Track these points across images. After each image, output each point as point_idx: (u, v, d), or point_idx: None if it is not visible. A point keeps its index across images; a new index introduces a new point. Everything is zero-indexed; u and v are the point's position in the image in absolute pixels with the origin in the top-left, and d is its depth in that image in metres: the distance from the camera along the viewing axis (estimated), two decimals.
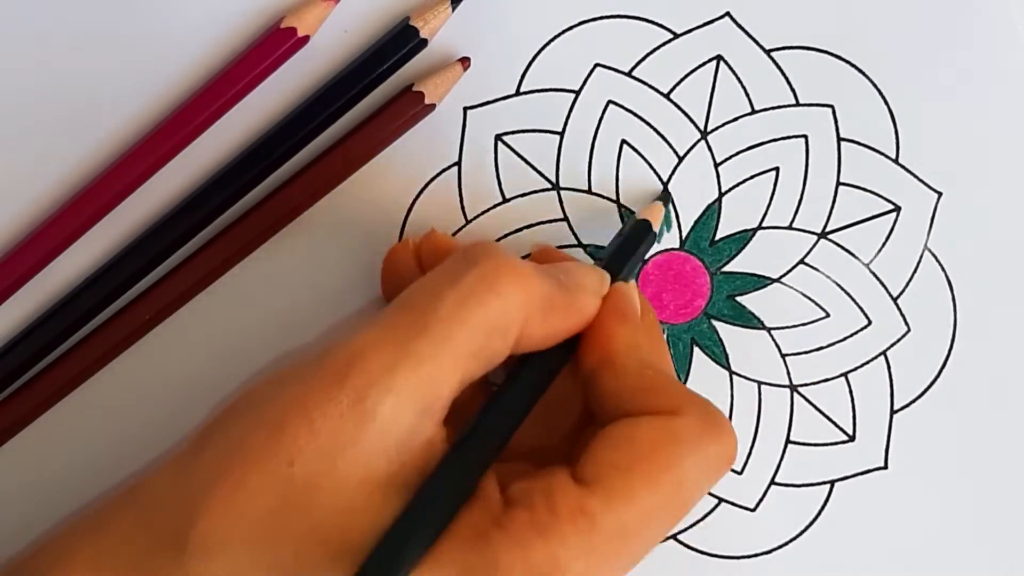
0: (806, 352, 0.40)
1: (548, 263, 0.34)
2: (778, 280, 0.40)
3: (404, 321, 0.30)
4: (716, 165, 0.40)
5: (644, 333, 0.33)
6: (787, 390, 0.40)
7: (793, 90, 0.40)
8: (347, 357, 0.29)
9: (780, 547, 0.40)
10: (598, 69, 0.40)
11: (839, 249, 0.40)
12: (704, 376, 0.40)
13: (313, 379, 0.29)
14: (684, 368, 0.40)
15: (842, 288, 0.40)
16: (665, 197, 0.39)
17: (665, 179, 0.40)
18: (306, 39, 0.38)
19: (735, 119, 0.40)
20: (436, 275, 0.31)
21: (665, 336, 0.40)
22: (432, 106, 0.38)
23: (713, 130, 0.40)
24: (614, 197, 0.40)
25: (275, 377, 0.30)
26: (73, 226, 0.38)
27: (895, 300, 0.40)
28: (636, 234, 0.37)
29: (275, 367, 0.36)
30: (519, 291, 0.30)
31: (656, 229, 0.37)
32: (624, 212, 0.40)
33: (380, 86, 0.39)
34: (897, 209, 0.40)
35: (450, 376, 0.29)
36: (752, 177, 0.40)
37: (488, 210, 0.40)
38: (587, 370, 0.33)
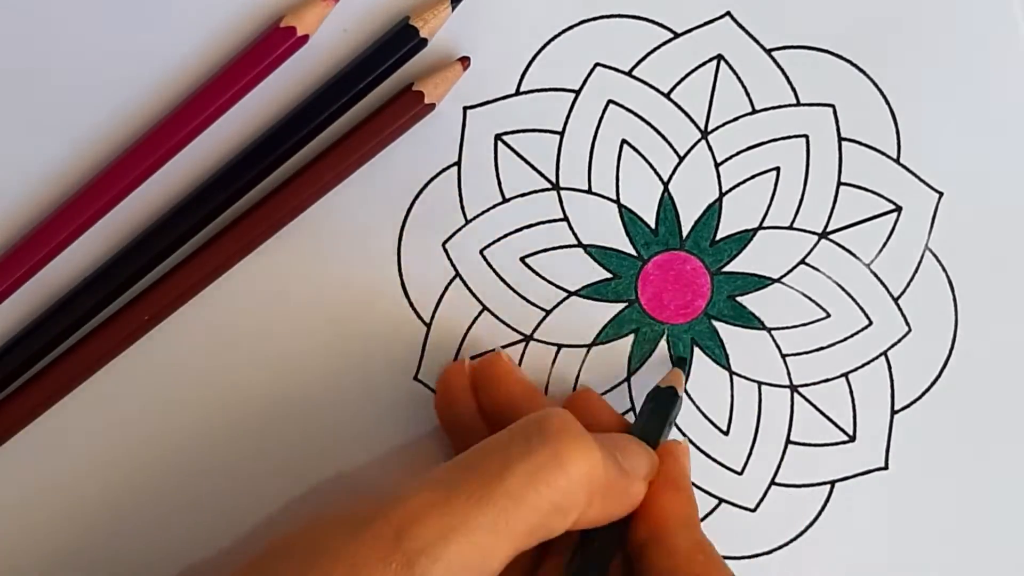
0: (806, 352, 0.40)
1: (583, 414, 0.34)
2: (779, 280, 0.40)
3: (467, 486, 0.29)
4: (716, 165, 0.40)
5: (695, 503, 0.34)
6: (787, 390, 0.40)
7: (794, 90, 0.40)
8: (402, 518, 0.28)
9: (780, 547, 0.40)
10: (598, 69, 0.40)
11: (840, 249, 0.40)
12: (704, 376, 0.40)
13: (365, 535, 0.28)
14: (684, 368, 0.40)
15: (843, 288, 0.40)
16: (681, 363, 0.39)
17: (666, 179, 0.40)
18: (305, 38, 0.38)
19: (736, 119, 0.40)
20: (507, 440, 0.30)
21: (665, 337, 0.40)
22: (432, 106, 0.38)
23: (714, 130, 0.40)
24: (614, 197, 0.40)
25: (323, 524, 0.30)
26: (72, 226, 0.38)
27: (896, 300, 0.40)
28: (665, 401, 0.37)
29: (317, 499, 0.37)
30: (587, 474, 0.30)
31: (681, 394, 0.37)
32: (624, 212, 0.40)
33: (380, 85, 0.39)
34: (898, 209, 0.40)
35: (503, 550, 0.29)
36: (753, 177, 0.40)
37: (488, 210, 0.40)
38: (637, 542, 0.33)
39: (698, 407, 0.40)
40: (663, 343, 0.40)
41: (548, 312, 0.40)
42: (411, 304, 0.39)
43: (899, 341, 0.40)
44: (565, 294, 0.40)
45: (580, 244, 0.40)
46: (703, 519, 0.39)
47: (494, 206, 0.40)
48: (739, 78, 0.40)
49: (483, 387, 0.37)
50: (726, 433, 0.40)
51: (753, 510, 0.40)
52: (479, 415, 0.37)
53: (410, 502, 0.29)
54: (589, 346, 0.40)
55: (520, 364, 0.39)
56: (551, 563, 0.33)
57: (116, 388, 0.39)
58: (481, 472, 0.29)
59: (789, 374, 0.40)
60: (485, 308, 0.40)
